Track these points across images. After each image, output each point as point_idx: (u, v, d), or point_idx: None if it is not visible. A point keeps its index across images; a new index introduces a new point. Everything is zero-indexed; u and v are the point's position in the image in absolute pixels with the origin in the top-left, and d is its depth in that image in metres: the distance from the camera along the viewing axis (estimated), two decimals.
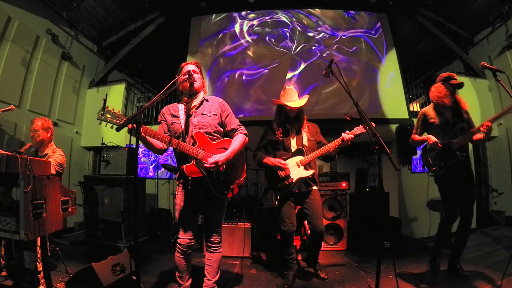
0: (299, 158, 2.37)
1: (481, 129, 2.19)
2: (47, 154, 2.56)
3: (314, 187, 2.46)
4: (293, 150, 2.42)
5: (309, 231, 2.65)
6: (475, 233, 3.92)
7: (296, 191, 2.39)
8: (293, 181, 2.34)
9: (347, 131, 2.30)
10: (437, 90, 2.48)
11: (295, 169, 2.37)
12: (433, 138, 2.37)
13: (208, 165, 1.76)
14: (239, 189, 3.91)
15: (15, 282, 2.22)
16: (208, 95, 2.03)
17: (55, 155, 2.55)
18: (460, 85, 2.43)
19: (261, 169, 3.00)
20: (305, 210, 2.42)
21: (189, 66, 1.96)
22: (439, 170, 2.43)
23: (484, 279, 2.37)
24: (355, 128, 2.30)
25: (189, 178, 1.85)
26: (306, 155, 2.38)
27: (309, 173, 2.38)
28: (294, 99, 2.45)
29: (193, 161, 1.79)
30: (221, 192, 1.87)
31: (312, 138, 2.48)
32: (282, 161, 2.35)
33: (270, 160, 2.39)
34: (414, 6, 5.17)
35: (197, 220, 2.05)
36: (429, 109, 2.56)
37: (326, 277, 2.57)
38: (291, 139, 2.47)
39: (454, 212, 2.44)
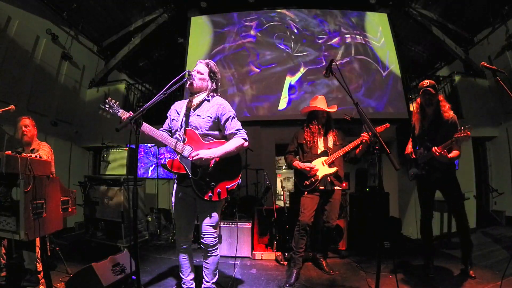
0: (324, 158, 2.62)
1: (435, 153, 2.23)
2: (34, 148, 2.57)
3: (338, 187, 2.67)
4: (319, 152, 2.65)
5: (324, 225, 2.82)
6: (475, 233, 3.91)
7: (321, 188, 2.61)
8: (319, 178, 2.57)
9: (365, 132, 2.37)
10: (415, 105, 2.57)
11: (321, 167, 2.60)
12: (408, 149, 2.60)
13: (190, 158, 1.75)
14: (238, 190, 3.89)
15: (15, 282, 2.22)
16: (214, 97, 1.96)
17: (42, 147, 2.56)
18: (428, 88, 2.34)
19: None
20: (324, 206, 2.70)
21: (198, 66, 1.98)
22: (409, 178, 2.64)
23: (484, 279, 2.36)
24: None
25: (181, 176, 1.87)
26: (330, 155, 2.61)
27: (332, 170, 2.59)
28: (323, 107, 2.66)
29: (178, 156, 1.81)
30: (204, 194, 1.78)
31: (337, 143, 2.69)
32: (310, 165, 2.58)
33: (299, 165, 2.63)
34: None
35: (193, 219, 2.03)
36: (414, 119, 2.61)
37: (331, 272, 2.73)
38: (319, 142, 2.69)
39: (424, 212, 2.56)
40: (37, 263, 2.16)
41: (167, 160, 1.81)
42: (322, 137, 2.70)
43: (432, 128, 2.43)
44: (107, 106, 1.69)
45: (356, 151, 2.53)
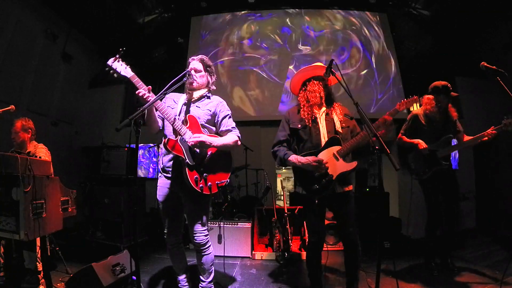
0: (335, 148, 1.82)
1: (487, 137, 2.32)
2: (29, 151, 2.55)
3: (350, 187, 1.91)
4: (324, 140, 1.86)
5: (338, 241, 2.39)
6: (475, 233, 3.92)
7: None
8: (334, 178, 1.80)
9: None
10: (429, 103, 2.55)
11: (334, 162, 1.81)
12: (423, 144, 2.47)
13: (191, 141, 1.71)
14: (238, 190, 3.86)
15: (15, 282, 2.21)
16: (212, 94, 2.03)
17: (38, 151, 2.54)
18: (451, 92, 2.49)
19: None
20: (337, 215, 1.97)
21: (193, 64, 1.94)
22: (423, 175, 2.56)
23: (484, 279, 2.36)
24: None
25: (169, 169, 1.85)
26: (343, 143, 1.83)
27: (352, 165, 1.83)
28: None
29: (178, 137, 1.76)
30: (196, 184, 1.73)
31: (344, 125, 1.92)
32: (316, 158, 1.79)
33: (298, 160, 1.81)
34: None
35: (182, 217, 1.98)
36: (420, 113, 2.62)
37: None
38: (320, 126, 1.90)
39: (436, 213, 2.55)
40: (37, 263, 2.16)
41: (168, 139, 1.73)
42: (324, 119, 1.91)
43: (446, 125, 2.53)
44: (117, 66, 1.58)
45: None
